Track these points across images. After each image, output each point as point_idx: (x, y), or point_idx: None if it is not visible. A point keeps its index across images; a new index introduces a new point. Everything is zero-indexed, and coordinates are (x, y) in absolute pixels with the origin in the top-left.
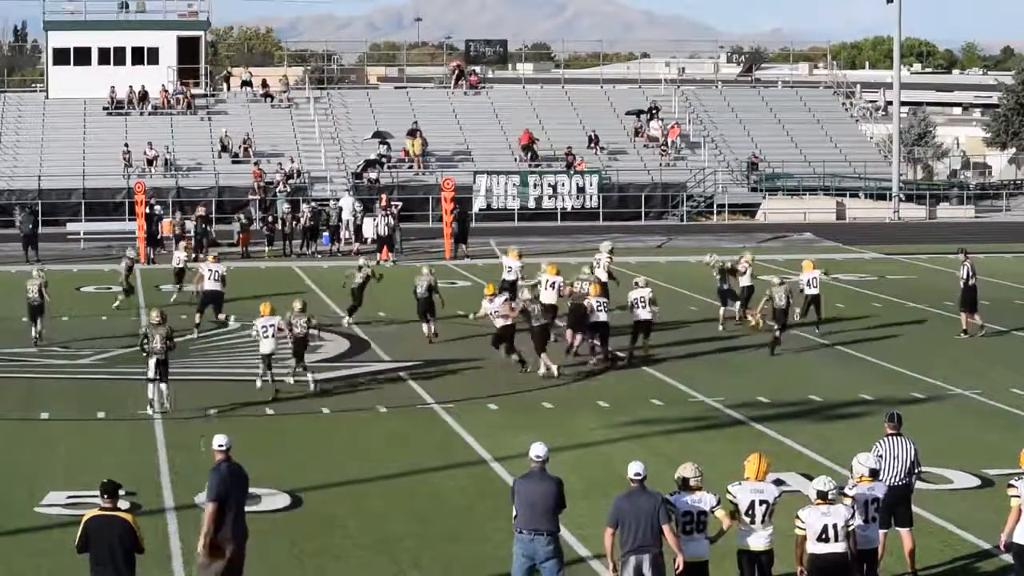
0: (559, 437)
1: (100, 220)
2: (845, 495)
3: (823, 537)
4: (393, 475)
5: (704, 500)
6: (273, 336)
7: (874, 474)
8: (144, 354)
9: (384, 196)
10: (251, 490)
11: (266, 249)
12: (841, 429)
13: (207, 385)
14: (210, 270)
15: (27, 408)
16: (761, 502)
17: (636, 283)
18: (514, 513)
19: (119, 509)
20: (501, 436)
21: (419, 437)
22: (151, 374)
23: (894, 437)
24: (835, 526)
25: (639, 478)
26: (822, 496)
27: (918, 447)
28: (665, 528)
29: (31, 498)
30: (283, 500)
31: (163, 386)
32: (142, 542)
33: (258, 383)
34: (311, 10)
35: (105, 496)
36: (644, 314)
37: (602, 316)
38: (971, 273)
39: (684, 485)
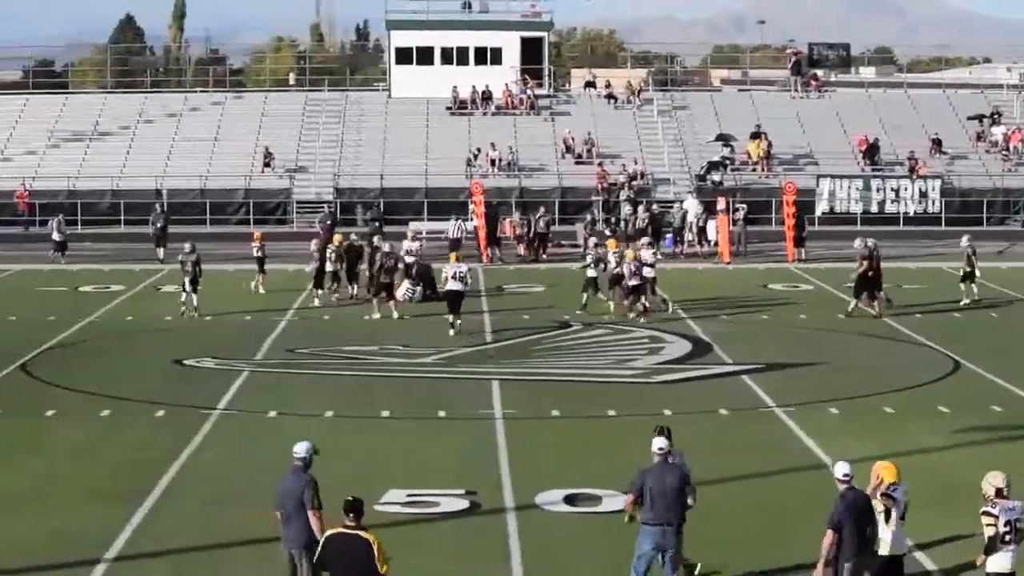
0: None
1: (439, 220)
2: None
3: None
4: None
5: (1017, 508)
6: None
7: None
8: None
9: (723, 198)
10: None
11: None
12: None
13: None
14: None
15: (367, 406)
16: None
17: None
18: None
19: (362, 528)
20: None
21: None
22: None
23: None
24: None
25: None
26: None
27: None
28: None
29: (371, 495)
30: None
31: None
32: (382, 566)
33: None
34: (652, 12)
35: (350, 515)
36: None
37: None
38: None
39: (997, 495)
